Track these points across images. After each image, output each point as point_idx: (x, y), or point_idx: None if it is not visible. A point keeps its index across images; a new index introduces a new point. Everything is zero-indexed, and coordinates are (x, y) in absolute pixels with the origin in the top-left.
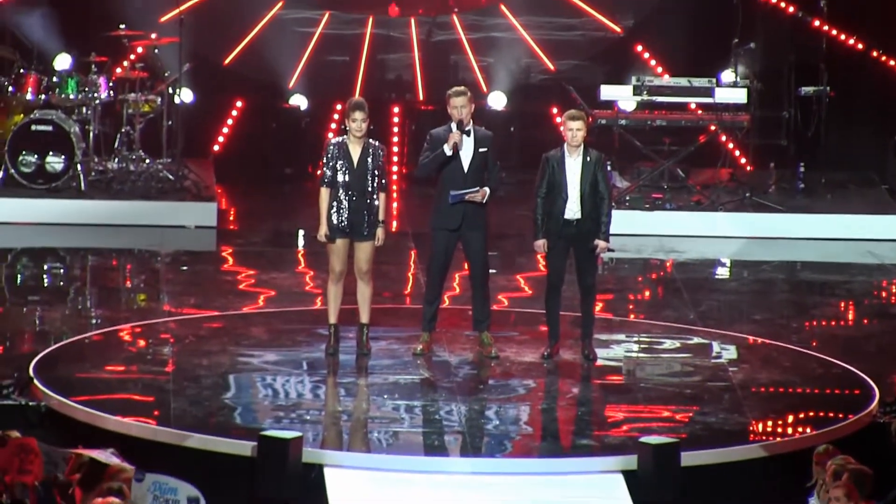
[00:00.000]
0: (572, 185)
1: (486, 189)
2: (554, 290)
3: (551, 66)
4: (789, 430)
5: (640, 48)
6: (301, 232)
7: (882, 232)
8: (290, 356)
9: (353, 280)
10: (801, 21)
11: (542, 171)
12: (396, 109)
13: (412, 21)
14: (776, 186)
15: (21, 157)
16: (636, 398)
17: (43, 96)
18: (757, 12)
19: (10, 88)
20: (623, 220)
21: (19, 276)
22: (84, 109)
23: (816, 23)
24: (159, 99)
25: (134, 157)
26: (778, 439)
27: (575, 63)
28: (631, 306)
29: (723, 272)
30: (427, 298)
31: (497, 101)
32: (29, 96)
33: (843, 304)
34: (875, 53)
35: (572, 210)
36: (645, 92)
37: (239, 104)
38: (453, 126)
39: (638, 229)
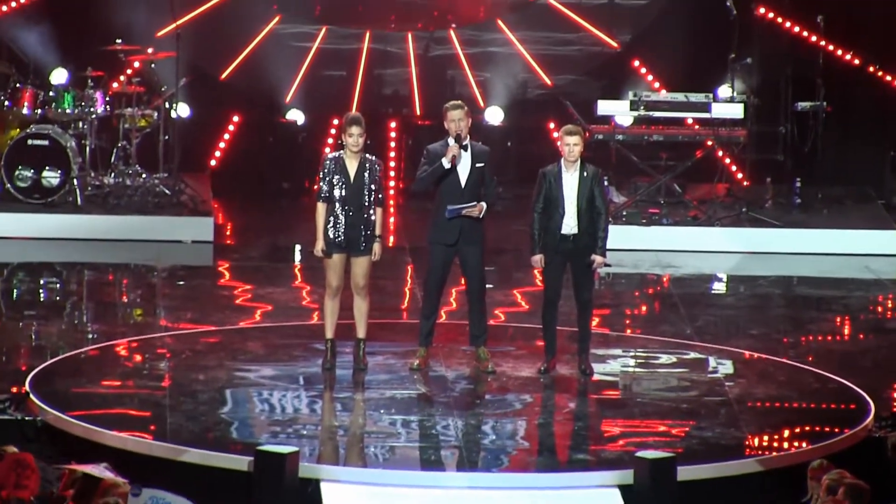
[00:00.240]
0: (569, 200)
1: (483, 204)
2: (551, 304)
3: (548, 81)
4: (785, 445)
5: (636, 63)
6: (298, 247)
7: (878, 247)
8: (287, 371)
9: (349, 295)
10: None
11: (538, 185)
12: (393, 124)
13: (409, 36)
14: (773, 201)
15: (17, 172)
16: (633, 413)
17: (39, 111)
18: (754, 28)
19: (7, 103)
20: (620, 235)
21: (15, 290)
22: (80, 124)
23: (813, 38)
24: (156, 113)
25: (130, 171)
26: (774, 454)
27: (572, 78)
28: (627, 321)
29: (719, 287)
30: (424, 313)
31: (494, 115)
32: (25, 111)
33: (839, 319)
34: (872, 69)
35: (569, 225)
36: (642, 107)
37: (236, 119)
38: (450, 140)
39: (635, 244)
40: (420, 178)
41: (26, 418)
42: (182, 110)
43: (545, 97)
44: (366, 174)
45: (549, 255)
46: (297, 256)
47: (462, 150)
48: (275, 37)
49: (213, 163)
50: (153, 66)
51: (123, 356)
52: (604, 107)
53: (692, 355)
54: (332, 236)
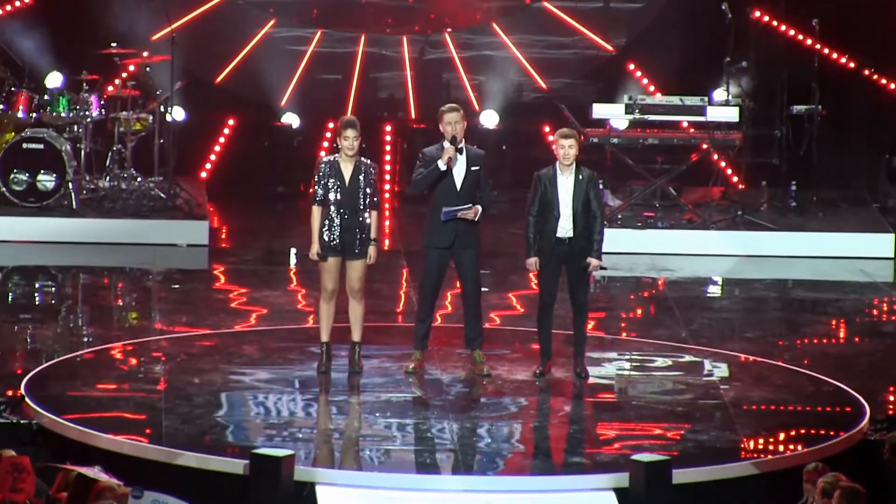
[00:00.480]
0: (564, 204)
1: (479, 206)
2: (546, 308)
3: (543, 85)
4: (780, 448)
5: (632, 67)
6: (293, 250)
7: (873, 250)
8: (282, 374)
9: (344, 298)
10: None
11: (533, 189)
12: (388, 128)
13: (404, 39)
14: (768, 205)
15: (12, 176)
16: (628, 416)
17: (34, 114)
18: (749, 31)
19: (2, 106)
20: (615, 239)
21: (11, 294)
22: (75, 127)
23: (808, 41)
24: (151, 117)
25: (125, 175)
26: (769, 457)
27: (567, 81)
28: (623, 324)
29: (715, 290)
30: (419, 316)
31: (489, 119)
32: (20, 114)
33: (834, 322)
34: (867, 72)
35: (564, 228)
36: (637, 110)
37: (231, 122)
38: (446, 143)
39: (630, 247)
40: (416, 179)
41: (22, 422)
42: (177, 114)
43: (540, 101)
44: (361, 177)
45: (544, 259)
46: (293, 260)
47: (457, 153)
48: (270, 40)
49: (207, 166)
50: (148, 69)
51: (119, 359)
52: (599, 110)
53: (687, 358)
54: (327, 239)
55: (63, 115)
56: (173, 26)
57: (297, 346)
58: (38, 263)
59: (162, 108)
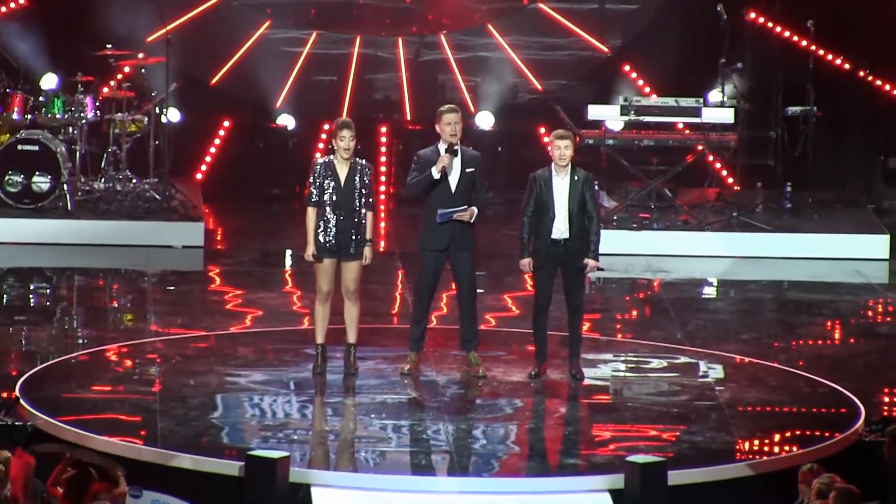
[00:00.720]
0: (560, 205)
1: (475, 208)
2: (541, 309)
3: (539, 86)
4: (776, 449)
5: (627, 68)
6: (288, 252)
7: (869, 251)
8: (278, 376)
9: (340, 300)
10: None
11: (529, 190)
12: (384, 129)
13: (400, 41)
14: (763, 206)
15: (7, 177)
16: (623, 417)
17: (29, 116)
18: (744, 32)
19: None
20: (610, 240)
21: (6, 295)
22: (71, 129)
23: (804, 43)
24: (146, 118)
25: (121, 176)
26: (764, 458)
27: (562, 83)
28: (618, 326)
29: (710, 292)
30: (415, 318)
31: (485, 120)
32: (15, 116)
33: (829, 324)
34: (862, 73)
35: (560, 230)
36: (632, 112)
37: (226, 124)
38: (441, 148)
39: (625, 249)
40: (411, 183)
41: (16, 423)
42: (172, 115)
43: (536, 102)
44: (356, 178)
45: (539, 260)
46: (288, 261)
47: (452, 156)
48: (265, 42)
49: (203, 168)
50: (143, 71)
51: (114, 361)
52: (594, 111)
53: (683, 360)
54: (322, 241)
55: (58, 116)
56: (168, 28)
57: (293, 348)
58: (33, 265)
59: (157, 110)
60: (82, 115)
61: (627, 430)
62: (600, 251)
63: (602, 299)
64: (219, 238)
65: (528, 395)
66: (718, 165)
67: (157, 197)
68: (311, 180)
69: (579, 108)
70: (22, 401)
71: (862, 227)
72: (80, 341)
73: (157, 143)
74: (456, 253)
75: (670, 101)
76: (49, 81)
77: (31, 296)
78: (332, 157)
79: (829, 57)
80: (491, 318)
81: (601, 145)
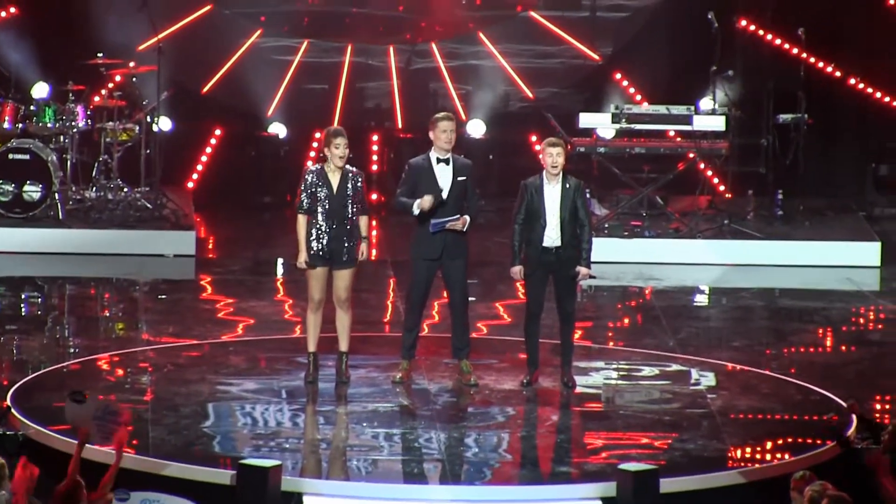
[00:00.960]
0: (551, 213)
1: (467, 217)
2: (533, 317)
3: (530, 94)
4: (767, 457)
5: (618, 76)
6: (280, 260)
7: (860, 258)
8: (270, 384)
9: (331, 308)
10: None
11: (520, 197)
12: (375, 137)
13: (391, 49)
14: (755, 213)
15: None
16: (615, 425)
17: (20, 125)
18: (735, 40)
19: None
20: (602, 248)
21: None
22: (62, 138)
23: (795, 50)
24: (137, 127)
25: (112, 185)
26: (756, 466)
27: (554, 91)
28: (610, 333)
29: (702, 299)
30: (407, 326)
31: (476, 128)
32: (6, 125)
33: (821, 331)
34: (853, 81)
35: (551, 237)
36: (624, 119)
37: (217, 132)
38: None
39: (617, 257)
40: (399, 200)
41: (8, 433)
42: (164, 124)
43: (527, 110)
44: (348, 186)
45: (531, 268)
46: (280, 270)
47: (444, 164)
48: (256, 50)
49: (194, 176)
50: (134, 79)
51: (105, 370)
52: (586, 119)
53: (674, 367)
54: (314, 248)
55: (49, 125)
56: (159, 36)
57: (284, 357)
58: (25, 274)
59: (148, 119)
60: (73, 123)
61: (619, 438)
62: (592, 259)
63: (594, 307)
64: (210, 247)
65: (519, 404)
66: (710, 173)
67: (149, 206)
68: (302, 188)
69: (570, 116)
70: (13, 410)
71: (853, 234)
72: (72, 350)
73: (148, 151)
74: (448, 261)
75: (661, 109)
76: (40, 90)
77: (22, 305)
78: (323, 165)
79: (820, 64)
80: (483, 327)
81: (592, 153)
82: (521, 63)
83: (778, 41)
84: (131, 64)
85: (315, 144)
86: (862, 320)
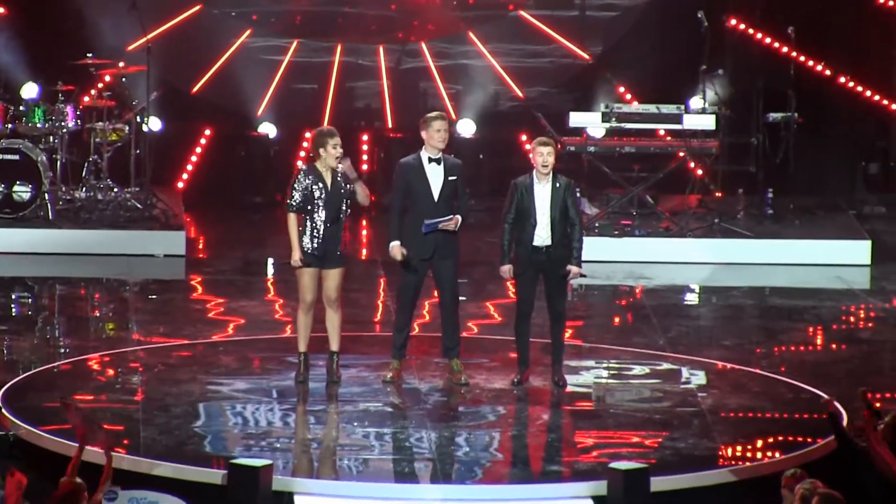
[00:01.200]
0: (541, 212)
1: (459, 217)
2: (524, 316)
3: (520, 94)
4: (758, 455)
5: (608, 75)
6: (270, 260)
7: (850, 257)
8: (260, 384)
9: (321, 308)
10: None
11: (510, 196)
12: (365, 137)
13: (381, 49)
14: (745, 212)
15: None
16: (606, 424)
17: (10, 125)
18: (725, 39)
19: None
20: (592, 247)
21: None
22: (51, 138)
23: (784, 49)
24: (127, 127)
25: (102, 185)
26: (747, 464)
27: (544, 90)
28: (600, 332)
29: (692, 298)
30: (397, 326)
31: (466, 128)
32: None
33: (811, 329)
34: (843, 79)
35: (541, 237)
36: (614, 119)
37: (207, 132)
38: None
39: (607, 256)
40: (392, 210)
41: None
42: (153, 124)
43: (517, 109)
44: (341, 185)
45: (521, 267)
46: (270, 270)
47: (435, 164)
48: (246, 50)
49: (184, 176)
50: (124, 79)
51: (96, 370)
52: (576, 118)
53: (665, 366)
54: (309, 248)
55: (39, 125)
56: (149, 36)
57: (275, 356)
58: (14, 274)
59: (138, 119)
60: (63, 124)
61: (610, 437)
62: (583, 258)
63: (584, 306)
64: (200, 247)
65: (510, 403)
66: (700, 172)
67: (139, 206)
68: (294, 186)
69: (561, 116)
70: (4, 410)
71: (843, 232)
72: (62, 350)
73: (138, 151)
74: (439, 261)
75: (651, 108)
76: (29, 91)
77: (12, 305)
78: (315, 164)
79: (810, 63)
80: (473, 326)
81: (583, 152)
82: (511, 62)
83: (767, 40)
84: (121, 64)
85: (305, 144)
86: (852, 319)
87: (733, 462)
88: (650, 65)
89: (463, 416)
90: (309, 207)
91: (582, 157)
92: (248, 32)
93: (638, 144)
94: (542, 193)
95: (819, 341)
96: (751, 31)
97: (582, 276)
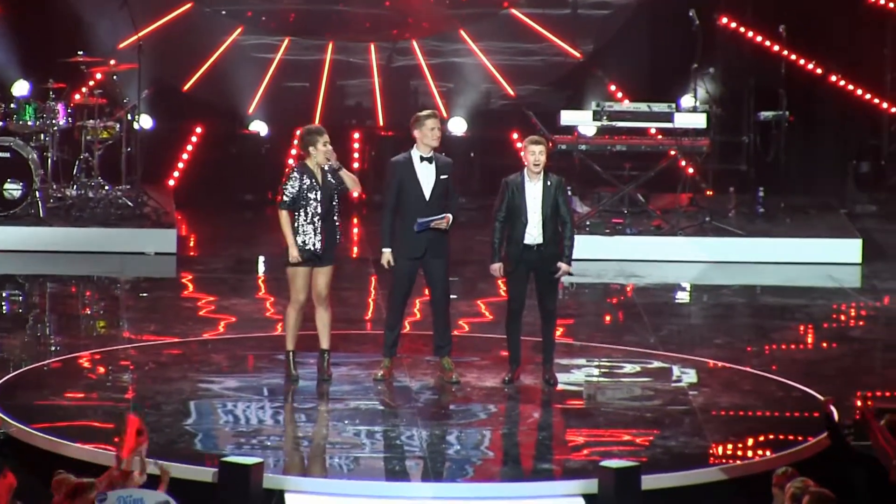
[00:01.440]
0: (532, 210)
1: (450, 216)
2: (515, 314)
3: (511, 92)
4: (749, 454)
5: (599, 73)
6: (261, 258)
7: (841, 255)
8: (251, 382)
9: (311, 306)
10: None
11: (501, 194)
12: (357, 135)
13: (372, 47)
14: (736, 211)
15: None
16: (597, 422)
17: (1, 123)
18: (716, 37)
19: None
20: (583, 245)
21: None
22: (42, 136)
23: (776, 48)
24: (118, 125)
25: (93, 183)
26: (738, 462)
27: (535, 88)
28: (592, 331)
29: (683, 296)
30: (388, 324)
31: (457, 126)
32: None
33: (802, 328)
34: (834, 78)
35: (532, 235)
36: (605, 117)
37: (198, 130)
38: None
39: (598, 254)
40: (386, 208)
41: None
42: (144, 122)
43: (508, 107)
44: (331, 185)
45: (512, 265)
46: (261, 268)
47: (427, 163)
48: (237, 48)
49: (175, 174)
50: (115, 77)
51: (87, 368)
52: (567, 117)
53: (656, 364)
54: (304, 245)
55: (30, 123)
56: (140, 34)
57: (266, 354)
58: (5, 272)
59: (129, 117)
60: (54, 121)
61: (601, 435)
62: (574, 256)
63: (575, 304)
64: (191, 244)
65: (501, 401)
66: (691, 170)
67: (130, 204)
68: (287, 184)
69: (552, 114)
70: None
71: (834, 231)
72: (53, 348)
73: (129, 149)
74: (430, 259)
75: (643, 107)
76: (20, 88)
77: (3, 303)
78: (307, 162)
79: (801, 62)
80: (464, 324)
81: (574, 151)
82: (503, 60)
83: (759, 38)
84: (112, 62)
85: (296, 142)
86: (843, 317)
87: (724, 460)
88: (641, 63)
89: (454, 415)
90: (302, 204)
91: (573, 155)
92: (239, 30)
93: (629, 143)
94: (534, 192)
95: (810, 340)
96: (742, 29)
97: (569, 273)
